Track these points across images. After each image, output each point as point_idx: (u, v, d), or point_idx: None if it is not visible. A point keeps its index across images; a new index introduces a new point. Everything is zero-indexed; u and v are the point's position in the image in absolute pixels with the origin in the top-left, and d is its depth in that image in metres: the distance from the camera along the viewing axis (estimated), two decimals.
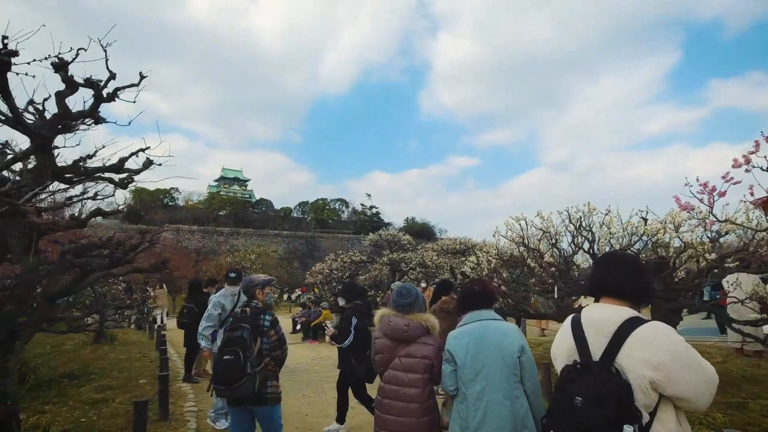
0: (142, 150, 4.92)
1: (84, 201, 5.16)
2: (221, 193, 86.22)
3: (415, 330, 3.13)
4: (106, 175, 5.11)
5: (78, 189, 5.16)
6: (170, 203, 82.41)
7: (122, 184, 5.28)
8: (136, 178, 5.46)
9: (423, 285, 12.38)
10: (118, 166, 4.89)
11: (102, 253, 4.88)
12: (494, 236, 7.87)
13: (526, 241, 7.27)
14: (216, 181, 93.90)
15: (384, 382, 3.18)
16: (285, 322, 18.71)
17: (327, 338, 13.18)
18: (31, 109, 4.83)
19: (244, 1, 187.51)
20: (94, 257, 4.78)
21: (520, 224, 7.40)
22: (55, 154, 4.85)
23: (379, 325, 3.28)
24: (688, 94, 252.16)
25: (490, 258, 8.38)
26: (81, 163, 4.88)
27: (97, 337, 12.70)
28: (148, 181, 6.03)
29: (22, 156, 4.26)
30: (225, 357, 3.52)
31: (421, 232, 73.26)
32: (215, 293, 9.59)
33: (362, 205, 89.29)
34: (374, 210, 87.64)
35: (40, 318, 4.67)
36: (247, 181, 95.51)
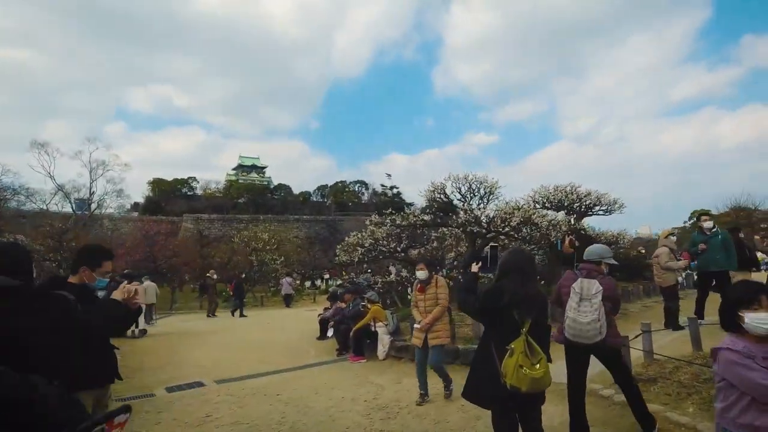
0: None
1: None
2: (239, 181, 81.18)
3: None
4: None
5: None
6: (189, 193, 77.76)
7: None
8: None
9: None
10: None
11: None
12: None
13: None
14: (234, 169, 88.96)
15: None
16: (310, 321, 12.33)
17: (381, 352, 6.74)
18: None
19: None
20: None
21: None
22: None
23: None
24: (720, 54, 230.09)
25: None
26: None
27: None
28: None
29: None
30: None
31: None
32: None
33: (382, 186, 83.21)
34: (395, 190, 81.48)
35: None
36: (265, 168, 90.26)
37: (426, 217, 10.10)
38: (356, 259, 10.44)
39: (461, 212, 9.33)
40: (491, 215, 9.18)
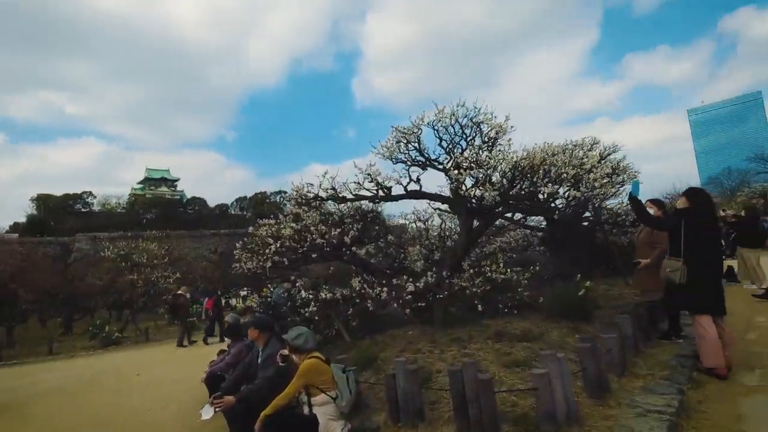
0: None
1: None
2: (146, 195, 71.34)
3: None
4: None
5: None
6: (84, 210, 66.55)
7: None
8: None
9: None
10: None
11: None
12: None
13: None
14: (140, 183, 78.71)
15: None
16: (203, 367, 7.14)
17: None
18: None
19: None
20: None
21: None
22: None
23: None
24: (608, 70, 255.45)
25: None
26: None
27: None
28: None
29: None
30: None
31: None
32: None
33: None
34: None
35: None
36: (176, 180, 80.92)
37: (391, 185, 5.68)
38: (268, 264, 5.67)
39: (453, 171, 5.02)
40: (507, 169, 4.96)
